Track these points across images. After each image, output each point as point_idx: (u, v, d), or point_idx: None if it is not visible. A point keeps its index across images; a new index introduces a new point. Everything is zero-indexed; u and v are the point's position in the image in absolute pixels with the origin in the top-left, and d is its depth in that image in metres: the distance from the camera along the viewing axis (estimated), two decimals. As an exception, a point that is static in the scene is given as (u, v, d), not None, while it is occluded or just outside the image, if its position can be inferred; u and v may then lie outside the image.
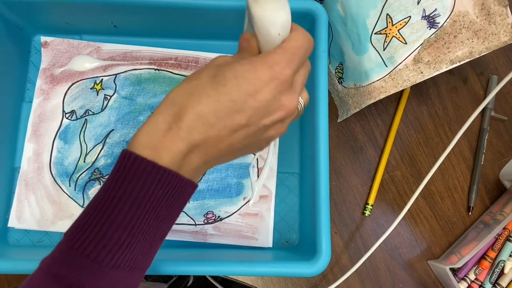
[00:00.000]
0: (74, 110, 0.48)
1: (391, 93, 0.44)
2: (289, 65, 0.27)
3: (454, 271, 0.48)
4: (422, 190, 0.44)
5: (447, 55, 0.42)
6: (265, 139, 0.30)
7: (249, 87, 0.26)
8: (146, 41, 0.50)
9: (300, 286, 0.48)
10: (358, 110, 0.47)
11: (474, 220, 0.50)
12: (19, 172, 0.46)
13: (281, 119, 0.29)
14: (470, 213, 0.50)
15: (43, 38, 0.49)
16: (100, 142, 0.47)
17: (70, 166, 0.47)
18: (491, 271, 0.47)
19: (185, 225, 0.46)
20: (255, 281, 0.48)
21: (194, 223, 0.46)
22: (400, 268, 0.49)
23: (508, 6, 0.41)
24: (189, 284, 0.74)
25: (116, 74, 0.49)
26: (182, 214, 0.46)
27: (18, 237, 0.45)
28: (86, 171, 0.47)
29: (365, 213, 0.49)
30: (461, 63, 0.42)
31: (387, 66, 0.44)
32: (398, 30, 0.42)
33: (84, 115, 0.48)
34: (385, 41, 0.43)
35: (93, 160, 0.47)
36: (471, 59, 0.42)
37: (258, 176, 0.48)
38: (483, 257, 0.47)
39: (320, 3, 0.46)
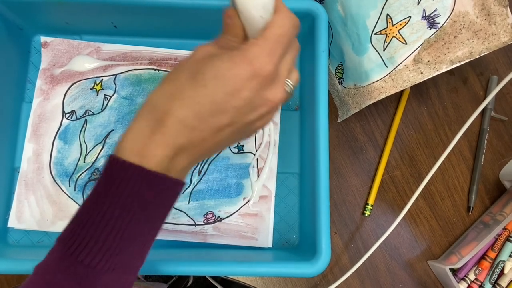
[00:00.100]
0: (74, 110, 0.48)
1: (391, 94, 0.44)
2: (271, 57, 0.26)
3: (454, 271, 0.48)
4: (422, 190, 0.44)
5: (447, 55, 0.42)
6: (252, 130, 0.30)
7: (230, 87, 0.26)
8: (146, 41, 0.50)
9: (300, 286, 0.48)
10: (358, 110, 0.47)
11: (474, 220, 0.50)
12: (19, 172, 0.46)
13: (267, 113, 0.28)
14: (470, 213, 0.50)
15: (43, 38, 0.49)
16: (100, 142, 0.47)
17: (70, 166, 0.47)
18: (491, 271, 0.47)
19: (185, 225, 0.46)
20: (255, 281, 0.48)
21: (194, 223, 0.46)
22: (400, 268, 0.49)
23: (508, 7, 0.41)
24: (189, 284, 0.74)
25: (116, 74, 0.49)
26: (182, 214, 0.46)
27: (18, 237, 0.45)
28: (86, 171, 0.47)
29: (365, 213, 0.49)
30: (461, 63, 0.42)
31: (387, 67, 0.44)
32: (398, 31, 0.42)
33: (84, 115, 0.48)
34: (385, 41, 0.43)
35: (93, 160, 0.47)
36: (471, 59, 0.42)
37: (258, 176, 0.48)
38: (483, 257, 0.47)
39: (320, 3, 0.46)
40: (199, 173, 0.47)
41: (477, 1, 0.41)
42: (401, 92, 0.53)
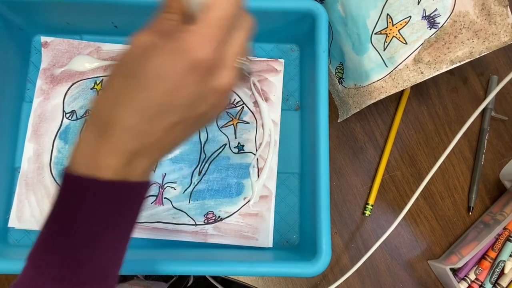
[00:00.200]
0: (74, 110, 0.48)
1: (391, 93, 0.44)
2: (210, 44, 0.24)
3: (454, 271, 0.48)
4: (422, 190, 0.44)
5: (447, 55, 0.42)
6: (208, 119, 0.29)
7: (172, 84, 0.24)
8: (146, 41, 0.50)
9: (300, 286, 0.48)
10: (358, 110, 0.47)
11: (474, 220, 0.50)
12: (19, 172, 0.46)
13: (218, 101, 0.27)
14: (470, 213, 0.50)
15: (43, 38, 0.49)
16: (100, 142, 0.47)
17: (70, 166, 0.47)
18: (491, 271, 0.47)
19: (185, 225, 0.46)
20: (255, 281, 0.48)
21: (194, 223, 0.46)
22: (400, 268, 0.49)
23: (508, 6, 0.41)
24: (189, 284, 0.74)
25: (116, 74, 0.49)
26: (182, 214, 0.46)
27: (18, 237, 0.45)
28: (86, 171, 0.47)
29: (365, 213, 0.49)
30: (462, 63, 0.42)
31: (387, 66, 0.44)
32: (399, 30, 0.42)
33: (85, 115, 0.48)
34: (385, 41, 0.43)
35: (93, 160, 0.47)
36: (472, 59, 0.42)
37: (258, 176, 0.48)
38: (483, 257, 0.47)
39: (320, 3, 0.46)
40: (200, 173, 0.47)
41: (477, 1, 0.41)
42: (401, 92, 0.53)
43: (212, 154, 0.48)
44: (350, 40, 0.46)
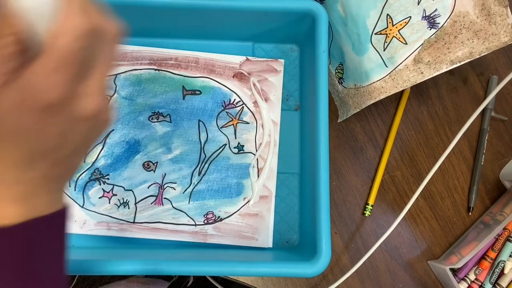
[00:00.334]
0: (74, 110, 0.48)
1: (391, 94, 0.44)
2: (60, 85, 0.20)
3: (454, 271, 0.48)
4: (422, 190, 0.44)
5: (447, 55, 0.42)
6: (94, 137, 0.26)
7: (28, 135, 0.22)
8: (146, 41, 0.50)
9: (300, 286, 0.48)
10: (358, 110, 0.47)
11: (474, 221, 0.50)
12: (19, 172, 0.46)
13: (93, 123, 0.24)
14: (470, 214, 0.50)
15: (43, 38, 0.49)
16: (100, 142, 0.47)
17: (70, 166, 0.47)
18: (491, 271, 0.47)
19: (185, 226, 0.46)
20: (255, 281, 0.48)
21: (194, 224, 0.46)
22: (400, 268, 0.49)
23: (508, 7, 0.41)
24: (189, 284, 0.74)
25: (116, 74, 0.49)
26: (182, 214, 0.46)
27: (18, 237, 0.45)
28: (86, 171, 0.47)
29: (365, 213, 0.49)
30: (461, 63, 0.42)
31: (387, 67, 0.44)
32: (399, 31, 0.42)
33: (84, 115, 0.48)
34: (385, 42, 0.43)
35: (93, 160, 0.47)
36: (471, 59, 0.42)
37: (258, 176, 0.48)
38: (483, 257, 0.47)
39: (320, 3, 0.46)
40: (199, 173, 0.47)
41: (477, 1, 0.41)
42: (401, 92, 0.53)
43: (212, 154, 0.48)
44: (350, 40, 0.46)
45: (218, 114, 0.49)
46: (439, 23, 0.41)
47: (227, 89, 0.49)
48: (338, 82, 0.50)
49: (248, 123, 0.49)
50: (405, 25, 0.42)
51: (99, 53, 0.23)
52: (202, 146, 0.48)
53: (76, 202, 0.46)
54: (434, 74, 0.42)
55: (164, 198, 0.47)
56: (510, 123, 0.53)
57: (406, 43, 0.42)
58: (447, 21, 0.41)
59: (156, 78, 0.49)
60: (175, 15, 0.45)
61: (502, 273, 0.47)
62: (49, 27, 0.20)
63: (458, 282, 0.47)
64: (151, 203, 0.46)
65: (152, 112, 0.48)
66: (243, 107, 0.49)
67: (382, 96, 0.44)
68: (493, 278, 0.47)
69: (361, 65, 0.45)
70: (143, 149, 0.48)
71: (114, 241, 0.46)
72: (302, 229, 0.47)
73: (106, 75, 0.24)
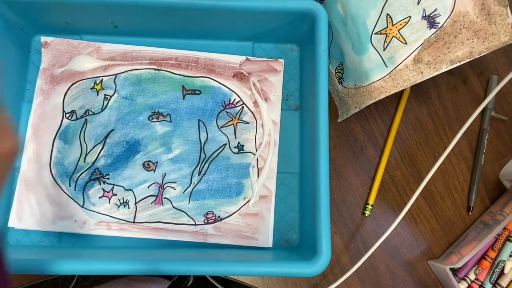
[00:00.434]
0: (74, 110, 0.48)
1: (391, 93, 0.44)
2: None
3: (454, 271, 0.48)
4: (422, 190, 0.44)
5: (447, 55, 0.42)
6: None
7: None
8: (146, 41, 0.50)
9: (300, 286, 0.48)
10: (358, 110, 0.47)
11: (474, 220, 0.50)
12: (19, 172, 0.46)
13: None
14: (470, 213, 0.50)
15: (43, 38, 0.49)
16: (100, 142, 0.47)
17: (70, 166, 0.47)
18: (491, 271, 0.47)
19: (185, 225, 0.46)
20: (255, 281, 0.48)
21: (194, 223, 0.46)
22: (400, 268, 0.49)
23: (508, 6, 0.41)
24: (189, 284, 0.74)
25: (116, 74, 0.49)
26: (182, 214, 0.46)
27: (18, 237, 0.45)
28: (86, 171, 0.47)
29: (365, 213, 0.49)
30: (461, 63, 0.42)
31: (387, 66, 0.44)
32: (398, 30, 0.42)
33: (84, 115, 0.48)
34: (385, 41, 0.43)
35: (93, 160, 0.47)
36: (471, 59, 0.42)
37: (258, 176, 0.48)
38: (483, 257, 0.47)
39: (320, 3, 0.46)
40: (199, 173, 0.47)
41: (477, 1, 0.41)
42: (401, 92, 0.53)
43: (212, 154, 0.48)
44: (350, 40, 0.46)
45: (218, 114, 0.49)
46: (439, 23, 0.41)
47: (227, 89, 0.49)
48: (338, 82, 0.50)
49: (248, 123, 0.49)
50: (405, 24, 0.42)
51: None
52: (202, 146, 0.48)
53: (76, 202, 0.46)
54: (434, 74, 0.42)
55: (164, 198, 0.47)
56: (510, 123, 0.53)
57: (406, 43, 0.42)
58: (447, 20, 0.41)
59: (156, 78, 0.49)
60: (175, 15, 0.45)
61: (502, 273, 0.47)
62: None
63: (458, 282, 0.47)
64: (151, 203, 0.46)
65: (152, 112, 0.48)
66: (243, 107, 0.49)
67: (382, 96, 0.44)
68: (493, 277, 0.47)
69: (361, 65, 0.45)
70: (143, 149, 0.48)
71: (114, 241, 0.46)
72: (302, 229, 0.47)
73: None
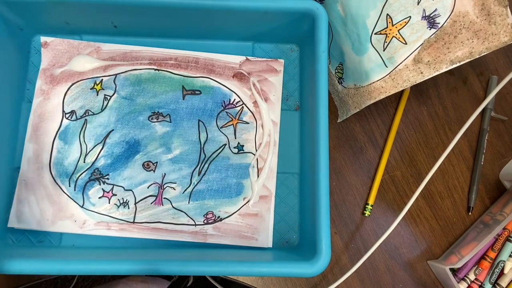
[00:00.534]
0: (74, 110, 0.48)
1: (391, 94, 0.44)
2: None
3: (454, 271, 0.48)
4: (422, 190, 0.44)
5: (447, 55, 0.42)
6: None
7: None
8: (146, 41, 0.50)
9: (300, 286, 0.48)
10: (358, 110, 0.47)
11: (474, 220, 0.50)
12: (19, 172, 0.46)
13: None
14: (470, 213, 0.50)
15: (43, 38, 0.49)
16: (100, 142, 0.47)
17: (70, 166, 0.47)
18: (491, 271, 0.47)
19: (185, 225, 0.46)
20: (255, 281, 0.48)
21: (194, 223, 0.46)
22: (400, 268, 0.49)
23: (508, 7, 0.41)
24: (189, 284, 0.74)
25: (116, 74, 0.49)
26: (182, 214, 0.46)
27: (18, 237, 0.45)
28: (86, 171, 0.47)
29: (365, 213, 0.49)
30: (461, 63, 0.42)
31: (387, 66, 0.44)
32: (398, 31, 0.42)
33: (84, 115, 0.48)
34: (385, 41, 0.43)
35: (93, 160, 0.47)
36: (471, 59, 0.42)
37: (258, 176, 0.48)
38: (483, 257, 0.47)
39: (320, 3, 0.46)
40: (199, 173, 0.47)
41: (477, 1, 0.41)
42: (401, 92, 0.53)
43: (212, 154, 0.48)
44: (350, 40, 0.46)
45: (218, 114, 0.49)
46: (439, 23, 0.41)
47: (227, 89, 0.49)
48: (338, 82, 0.50)
49: (248, 123, 0.49)
50: (405, 25, 0.42)
51: None
52: (202, 146, 0.48)
53: (76, 202, 0.46)
54: (434, 74, 0.42)
55: (164, 198, 0.47)
56: (510, 123, 0.53)
57: (406, 43, 0.42)
58: (447, 21, 0.41)
59: (156, 78, 0.49)
60: (175, 15, 0.45)
61: (502, 273, 0.47)
62: None
63: (458, 282, 0.47)
64: (151, 203, 0.46)
65: (152, 112, 0.48)
66: (243, 107, 0.49)
67: (382, 96, 0.44)
68: (493, 278, 0.47)
69: (361, 65, 0.45)
70: (143, 149, 0.48)
71: (114, 241, 0.46)
72: (302, 229, 0.47)
73: None
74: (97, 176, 0.47)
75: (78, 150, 0.47)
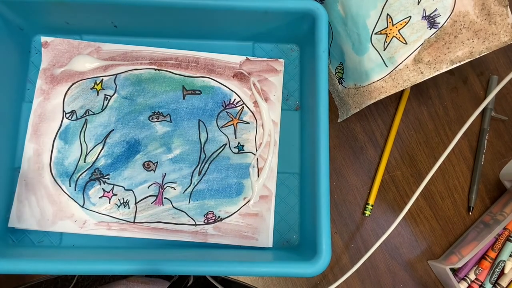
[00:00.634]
0: (74, 110, 0.48)
1: (391, 93, 0.44)
2: None
3: (454, 271, 0.48)
4: (422, 190, 0.44)
5: (447, 55, 0.42)
6: None
7: None
8: (146, 41, 0.50)
9: (300, 286, 0.48)
10: (358, 110, 0.47)
11: (474, 220, 0.50)
12: (19, 172, 0.46)
13: None
14: (470, 213, 0.50)
15: (43, 38, 0.49)
16: (100, 142, 0.47)
17: (70, 166, 0.47)
18: (491, 271, 0.47)
19: (185, 225, 0.46)
20: (255, 281, 0.48)
21: (194, 223, 0.46)
22: (400, 268, 0.49)
23: (508, 6, 0.41)
24: (189, 284, 0.74)
25: (116, 74, 0.49)
26: (182, 214, 0.46)
27: (18, 237, 0.45)
28: (86, 171, 0.47)
29: (365, 213, 0.49)
30: (462, 63, 0.42)
31: (387, 66, 0.44)
32: (399, 30, 0.42)
33: (84, 115, 0.48)
34: (385, 41, 0.43)
35: (93, 160, 0.47)
36: (472, 59, 0.42)
37: (258, 176, 0.48)
38: (483, 257, 0.47)
39: (320, 3, 0.46)
40: (200, 173, 0.47)
41: (477, 1, 0.41)
42: (401, 92, 0.53)
43: (212, 154, 0.48)
44: (350, 40, 0.46)
45: (218, 114, 0.49)
46: (439, 23, 0.41)
47: (227, 89, 0.49)
48: (338, 82, 0.50)
49: (248, 123, 0.49)
50: (405, 25, 0.42)
51: None
52: (202, 146, 0.48)
53: (76, 202, 0.46)
54: (434, 74, 0.42)
55: (164, 198, 0.47)
56: (510, 123, 0.53)
57: (406, 43, 0.42)
58: (447, 21, 0.41)
59: (156, 78, 0.49)
60: (175, 15, 0.45)
61: (502, 273, 0.47)
62: None
63: (458, 282, 0.47)
64: (151, 203, 0.46)
65: (152, 112, 0.48)
66: (243, 107, 0.49)
67: (382, 96, 0.44)
68: (493, 278, 0.47)
69: (361, 65, 0.45)
70: (143, 149, 0.48)
71: (114, 241, 0.46)
72: (302, 229, 0.47)
73: None
74: (97, 176, 0.47)
75: (79, 150, 0.47)
